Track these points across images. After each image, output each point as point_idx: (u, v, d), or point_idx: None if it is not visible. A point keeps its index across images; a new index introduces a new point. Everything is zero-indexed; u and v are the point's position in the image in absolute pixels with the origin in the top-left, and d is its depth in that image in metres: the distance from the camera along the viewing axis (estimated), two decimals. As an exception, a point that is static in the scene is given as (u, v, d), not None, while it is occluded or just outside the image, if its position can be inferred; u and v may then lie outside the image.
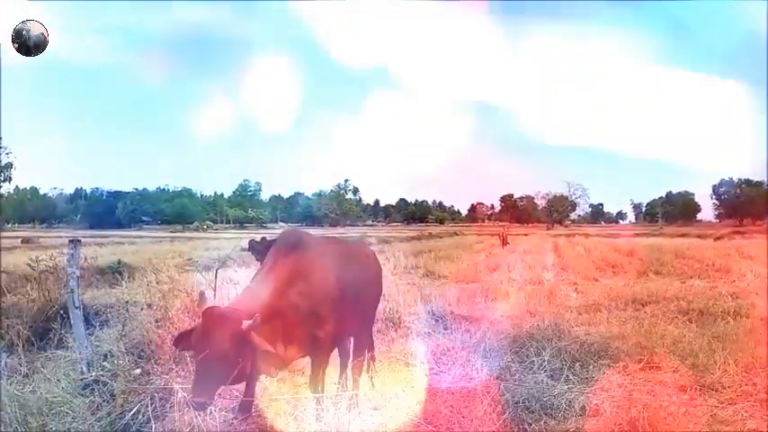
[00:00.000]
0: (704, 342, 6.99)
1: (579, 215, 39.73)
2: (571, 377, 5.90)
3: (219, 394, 4.83)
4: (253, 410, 4.68)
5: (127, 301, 6.74)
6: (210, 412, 4.50)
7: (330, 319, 4.49)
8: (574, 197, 37.62)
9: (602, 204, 40.89)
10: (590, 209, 40.77)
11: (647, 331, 7.56)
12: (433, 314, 8.95)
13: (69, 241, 5.84)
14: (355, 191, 35.71)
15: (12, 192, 24.78)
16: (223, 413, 4.75)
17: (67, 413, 4.55)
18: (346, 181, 34.98)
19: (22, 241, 17.86)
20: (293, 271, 4.39)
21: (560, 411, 4.92)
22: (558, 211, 37.81)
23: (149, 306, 6.72)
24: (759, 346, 6.58)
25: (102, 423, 4.48)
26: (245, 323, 3.85)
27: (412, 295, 10.52)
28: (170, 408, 4.53)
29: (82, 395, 4.85)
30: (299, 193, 35.62)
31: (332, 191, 34.65)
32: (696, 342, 7.00)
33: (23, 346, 6.26)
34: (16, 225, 25.80)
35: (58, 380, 5.06)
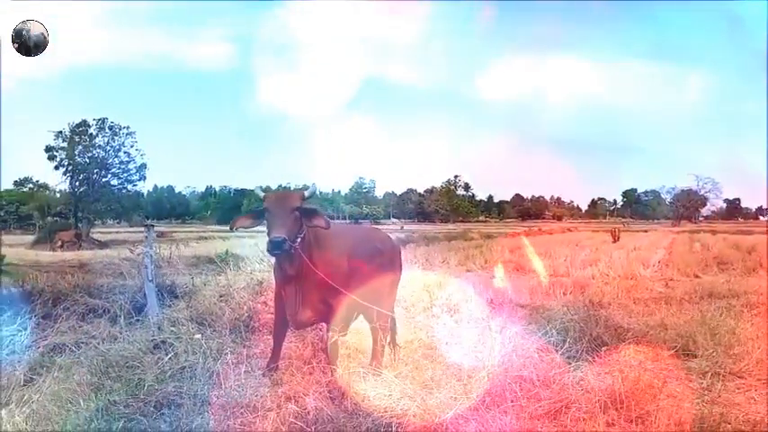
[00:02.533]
0: (754, 334, 6.93)
1: (713, 211, 37.29)
2: (593, 359, 6.18)
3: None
4: (278, 367, 5.50)
5: (192, 277, 7.85)
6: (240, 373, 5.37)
7: (341, 290, 5.19)
8: (703, 191, 35.35)
9: (738, 199, 38.18)
10: (725, 204, 38.18)
11: (699, 322, 7.53)
12: (494, 304, 9.33)
13: (144, 226, 7.01)
14: (467, 187, 35.97)
15: (150, 190, 27.94)
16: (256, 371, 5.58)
17: (138, 366, 5.59)
18: (456, 177, 35.32)
19: (157, 235, 20.11)
20: (308, 244, 5.13)
21: (558, 385, 5.25)
22: (684, 207, 35.68)
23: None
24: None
25: (165, 375, 5.46)
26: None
27: (486, 287, 11.00)
28: (218, 365, 5.46)
29: (152, 352, 5.91)
30: (411, 190, 36.49)
31: (442, 187, 35.15)
32: (743, 333, 6.95)
33: (124, 317, 7.52)
34: (155, 221, 28.82)
35: (135, 340, 6.20)
